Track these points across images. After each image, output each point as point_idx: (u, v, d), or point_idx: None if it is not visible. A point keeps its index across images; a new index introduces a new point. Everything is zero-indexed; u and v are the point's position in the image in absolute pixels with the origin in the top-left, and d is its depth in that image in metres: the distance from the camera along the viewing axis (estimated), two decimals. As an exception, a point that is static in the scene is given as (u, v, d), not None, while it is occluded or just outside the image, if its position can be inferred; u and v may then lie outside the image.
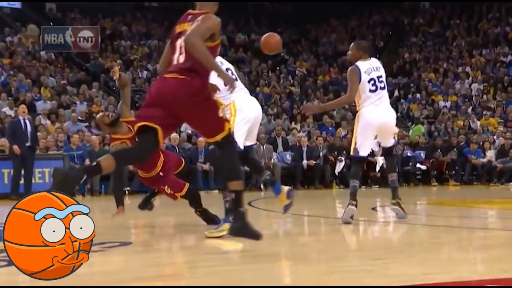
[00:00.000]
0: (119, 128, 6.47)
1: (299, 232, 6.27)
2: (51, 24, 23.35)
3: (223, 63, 5.67)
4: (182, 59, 4.41)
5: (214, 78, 4.58)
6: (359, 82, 6.61)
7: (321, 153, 16.37)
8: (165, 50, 4.71)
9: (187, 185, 6.53)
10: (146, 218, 7.28)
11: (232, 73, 5.71)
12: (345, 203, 6.87)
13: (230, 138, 4.53)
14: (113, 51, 23.26)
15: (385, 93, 6.79)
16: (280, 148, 16.98)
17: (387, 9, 30.22)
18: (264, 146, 15.84)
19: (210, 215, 6.54)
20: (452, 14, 28.78)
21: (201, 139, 15.26)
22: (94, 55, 21.99)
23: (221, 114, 4.52)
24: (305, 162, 16.06)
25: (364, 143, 6.67)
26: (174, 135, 14.81)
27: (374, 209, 9.25)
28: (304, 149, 16.24)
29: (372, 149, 6.93)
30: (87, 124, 16.74)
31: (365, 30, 29.41)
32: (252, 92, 12.23)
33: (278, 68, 24.84)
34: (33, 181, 12.99)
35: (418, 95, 23.15)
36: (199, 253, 4.83)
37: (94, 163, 4.23)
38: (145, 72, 22.02)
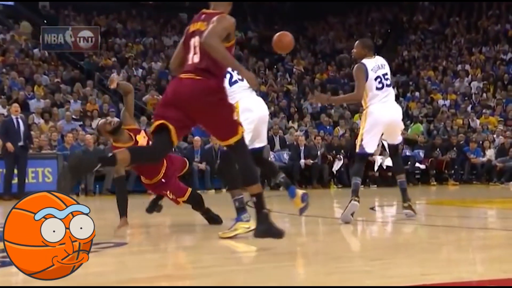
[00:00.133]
0: (120, 135, 6.43)
1: (297, 232, 6.21)
2: (45, 21, 23.22)
3: None
4: (196, 59, 4.50)
5: None
6: (366, 80, 6.69)
7: (319, 152, 16.25)
8: (178, 48, 4.79)
9: (189, 189, 6.62)
10: (141, 219, 7.31)
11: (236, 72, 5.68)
12: (343, 202, 6.85)
13: (242, 141, 4.62)
14: (107, 48, 23.07)
15: (391, 90, 6.88)
16: (277, 147, 16.88)
17: (386, 6, 30.12)
18: (262, 145, 15.67)
19: (212, 214, 6.65)
20: (451, 12, 28.67)
21: (197, 138, 15.14)
22: (88, 53, 21.79)
23: (235, 117, 4.61)
24: (302, 161, 15.91)
25: (371, 140, 6.73)
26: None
27: (372, 208, 9.28)
28: (302, 148, 16.09)
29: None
30: (81, 123, 16.60)
31: (363, 27, 29.24)
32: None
33: (275, 66, 24.65)
34: (26, 181, 12.85)
35: (417, 93, 22.95)
36: (195, 254, 4.85)
37: (110, 154, 4.37)
38: (140, 70, 21.84)
